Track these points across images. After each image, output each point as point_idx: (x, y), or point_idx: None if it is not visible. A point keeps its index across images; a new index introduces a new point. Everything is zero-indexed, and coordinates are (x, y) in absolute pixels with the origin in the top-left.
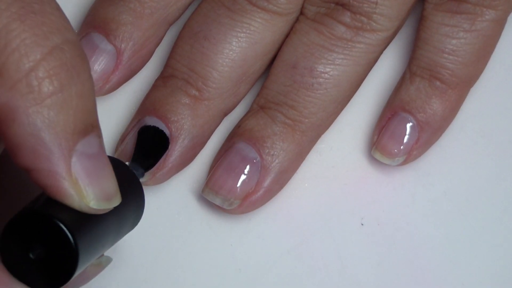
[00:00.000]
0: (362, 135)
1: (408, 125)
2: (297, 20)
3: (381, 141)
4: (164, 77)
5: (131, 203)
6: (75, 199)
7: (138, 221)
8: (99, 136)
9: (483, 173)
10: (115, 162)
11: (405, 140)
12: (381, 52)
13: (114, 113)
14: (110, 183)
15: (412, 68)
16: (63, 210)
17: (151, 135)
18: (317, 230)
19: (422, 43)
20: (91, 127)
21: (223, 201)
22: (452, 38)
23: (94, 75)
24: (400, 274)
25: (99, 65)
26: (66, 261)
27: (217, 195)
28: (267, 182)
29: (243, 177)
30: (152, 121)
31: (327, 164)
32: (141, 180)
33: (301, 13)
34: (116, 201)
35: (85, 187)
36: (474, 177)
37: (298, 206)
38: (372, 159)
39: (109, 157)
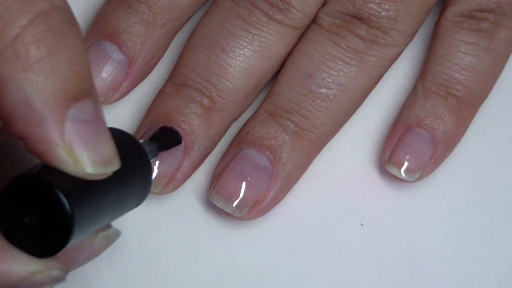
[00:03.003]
0: (362, 135)
1: (424, 141)
2: (309, 27)
3: (397, 156)
4: (177, 85)
5: (136, 175)
6: (70, 165)
7: (145, 196)
8: (95, 102)
9: (483, 173)
10: (123, 135)
11: (421, 156)
12: (390, 66)
13: (114, 113)
14: (107, 148)
15: (427, 84)
16: (59, 176)
17: (169, 134)
18: (317, 230)
19: (440, 60)
20: (84, 93)
21: (235, 209)
22: (472, 56)
23: (104, 85)
24: (400, 274)
25: (110, 75)
26: (61, 227)
27: (227, 203)
28: (276, 191)
29: (254, 185)
30: None
31: (327, 164)
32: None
33: (314, 21)
34: (114, 166)
35: (80, 153)
36: (474, 177)
37: (298, 206)
38: (372, 159)
39: (116, 129)
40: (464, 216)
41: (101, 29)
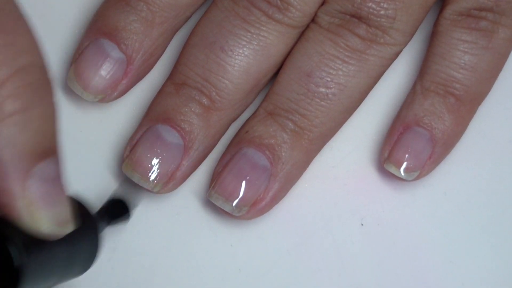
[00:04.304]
0: (362, 135)
1: (423, 140)
2: (308, 27)
3: (395, 155)
4: (176, 84)
5: (84, 240)
6: (28, 221)
7: (89, 265)
8: (57, 162)
9: (483, 173)
10: (74, 201)
11: (420, 155)
12: (389, 66)
13: (113, 112)
14: (64, 209)
15: (425, 83)
16: (14, 229)
17: (118, 207)
18: (317, 230)
19: (439, 59)
20: (50, 152)
21: (234, 208)
22: (471, 55)
23: (103, 83)
24: (400, 274)
25: (109, 73)
26: (9, 280)
27: (227, 202)
28: (275, 190)
29: (254, 184)
30: (165, 129)
31: (327, 164)
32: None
33: (313, 21)
34: (69, 228)
35: (39, 210)
36: (474, 177)
37: (298, 206)
38: (372, 159)
39: (72, 195)
40: (464, 216)
41: (100, 27)
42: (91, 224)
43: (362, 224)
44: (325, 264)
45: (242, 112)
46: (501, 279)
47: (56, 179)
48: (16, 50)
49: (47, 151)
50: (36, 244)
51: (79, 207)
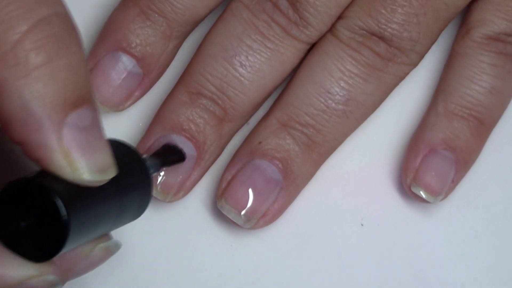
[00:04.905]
0: (362, 135)
1: (449, 163)
2: (325, 38)
3: (423, 178)
4: (191, 93)
5: (135, 187)
6: (67, 171)
7: (144, 209)
8: (93, 109)
9: (483, 173)
10: (125, 147)
11: (446, 177)
12: (398, 84)
13: (113, 112)
14: (103, 155)
15: (450, 106)
16: (56, 181)
17: (172, 151)
18: (317, 230)
19: (467, 81)
20: (83, 100)
21: (245, 220)
22: (498, 79)
23: (120, 97)
24: (400, 274)
25: (125, 86)
26: (57, 231)
27: (239, 215)
28: (284, 201)
29: (265, 197)
30: (179, 140)
31: (327, 164)
32: (160, 197)
33: (330, 32)
34: (111, 173)
35: (77, 159)
36: (474, 177)
37: (298, 206)
38: (372, 159)
39: (119, 141)
40: (464, 216)
41: (119, 39)
42: (141, 167)
43: (362, 224)
44: (325, 264)
45: (247, 120)
46: (501, 279)
47: (92, 126)
48: (34, 1)
49: (79, 100)
50: (81, 194)
51: (127, 152)
